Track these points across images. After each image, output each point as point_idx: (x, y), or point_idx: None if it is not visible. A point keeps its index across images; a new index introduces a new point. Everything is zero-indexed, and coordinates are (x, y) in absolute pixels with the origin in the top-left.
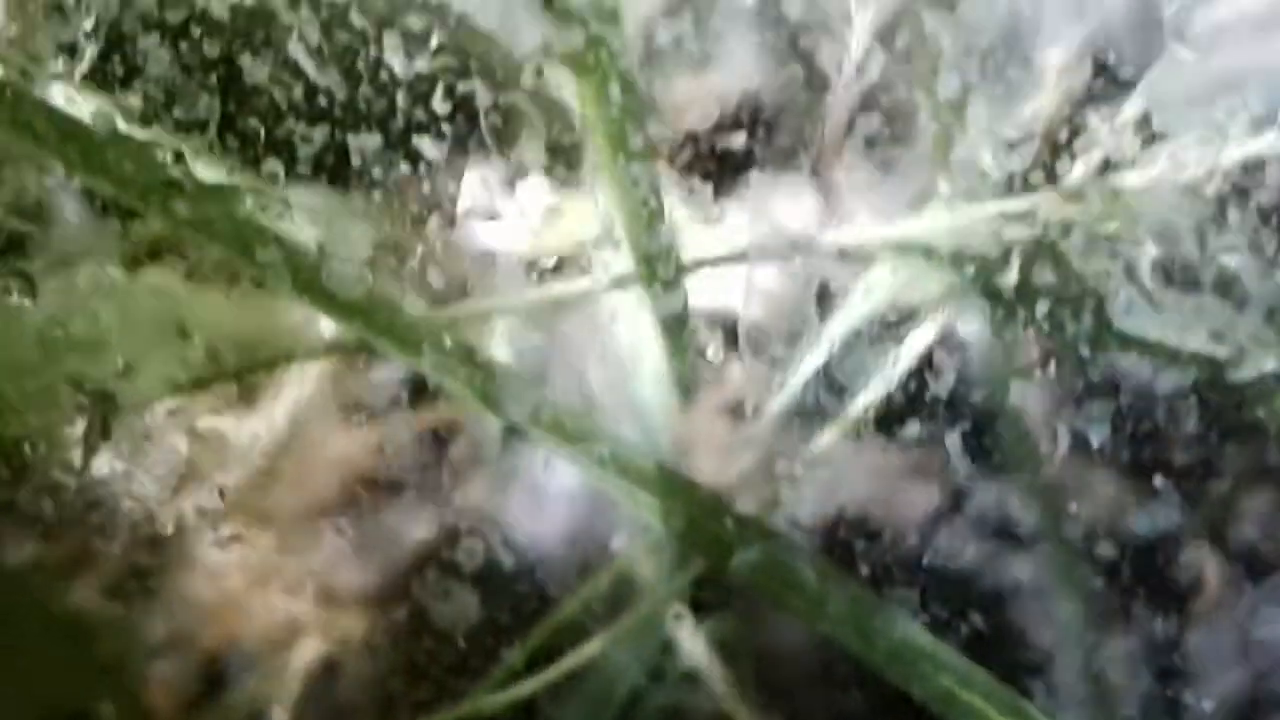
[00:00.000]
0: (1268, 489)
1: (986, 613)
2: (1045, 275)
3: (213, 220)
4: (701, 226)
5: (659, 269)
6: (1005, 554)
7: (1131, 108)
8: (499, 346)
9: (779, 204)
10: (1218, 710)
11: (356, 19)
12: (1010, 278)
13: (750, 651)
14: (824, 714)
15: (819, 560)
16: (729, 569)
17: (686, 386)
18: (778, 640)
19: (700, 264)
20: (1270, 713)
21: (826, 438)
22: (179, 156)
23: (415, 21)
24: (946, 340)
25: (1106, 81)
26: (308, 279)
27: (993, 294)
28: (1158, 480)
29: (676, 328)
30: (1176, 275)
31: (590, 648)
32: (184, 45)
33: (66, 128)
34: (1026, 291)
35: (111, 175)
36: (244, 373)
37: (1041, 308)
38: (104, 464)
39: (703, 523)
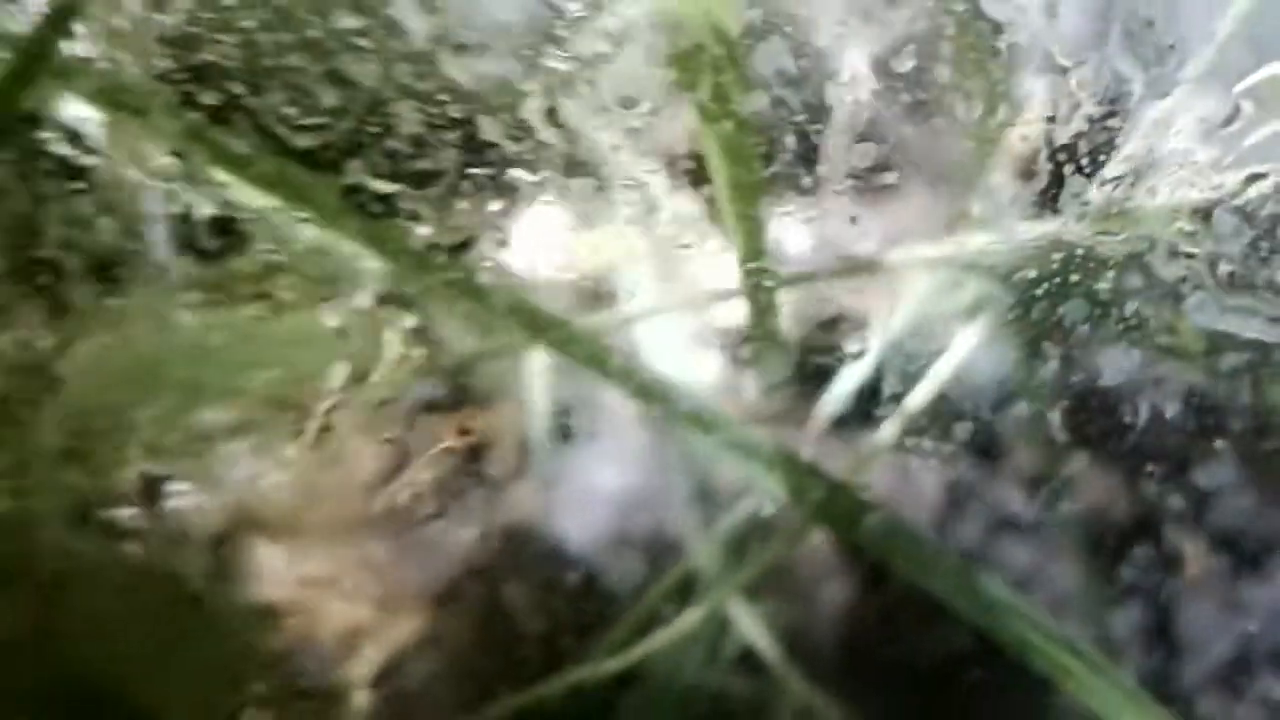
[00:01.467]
0: None
1: None
2: (1130, 279)
3: None
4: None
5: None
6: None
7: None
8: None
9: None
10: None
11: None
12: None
13: (802, 637)
14: (870, 693)
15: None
16: (858, 536)
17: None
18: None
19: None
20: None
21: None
22: None
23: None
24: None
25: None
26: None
27: (1041, 300)
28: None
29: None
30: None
31: (658, 639)
32: None
33: None
34: (1118, 293)
35: None
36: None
37: (1126, 308)
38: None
39: (831, 499)
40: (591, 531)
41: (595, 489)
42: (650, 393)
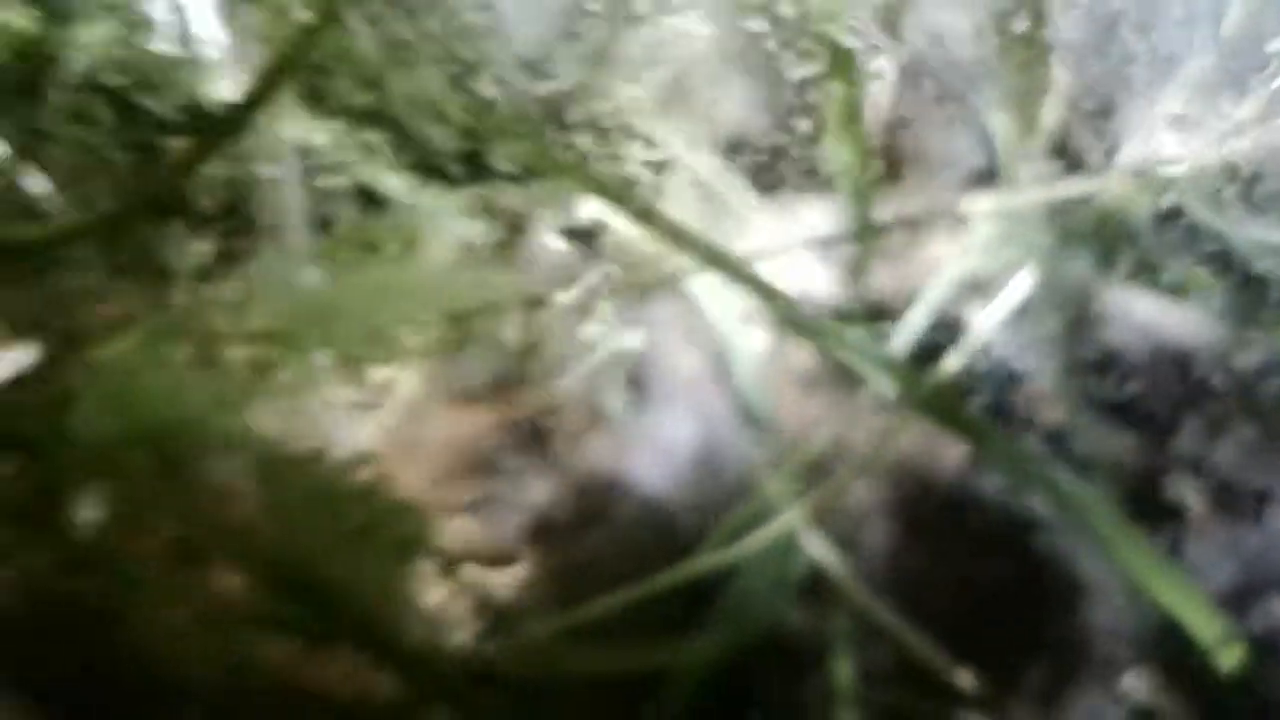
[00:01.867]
0: None
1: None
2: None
3: None
4: (772, 216)
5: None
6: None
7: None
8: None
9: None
10: None
11: None
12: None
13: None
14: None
15: None
16: (962, 420)
17: None
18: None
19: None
20: None
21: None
22: None
23: None
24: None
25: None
26: None
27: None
28: None
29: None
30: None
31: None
32: None
33: None
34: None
35: None
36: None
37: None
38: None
39: (935, 393)
40: (671, 470)
41: (674, 429)
42: (791, 308)
